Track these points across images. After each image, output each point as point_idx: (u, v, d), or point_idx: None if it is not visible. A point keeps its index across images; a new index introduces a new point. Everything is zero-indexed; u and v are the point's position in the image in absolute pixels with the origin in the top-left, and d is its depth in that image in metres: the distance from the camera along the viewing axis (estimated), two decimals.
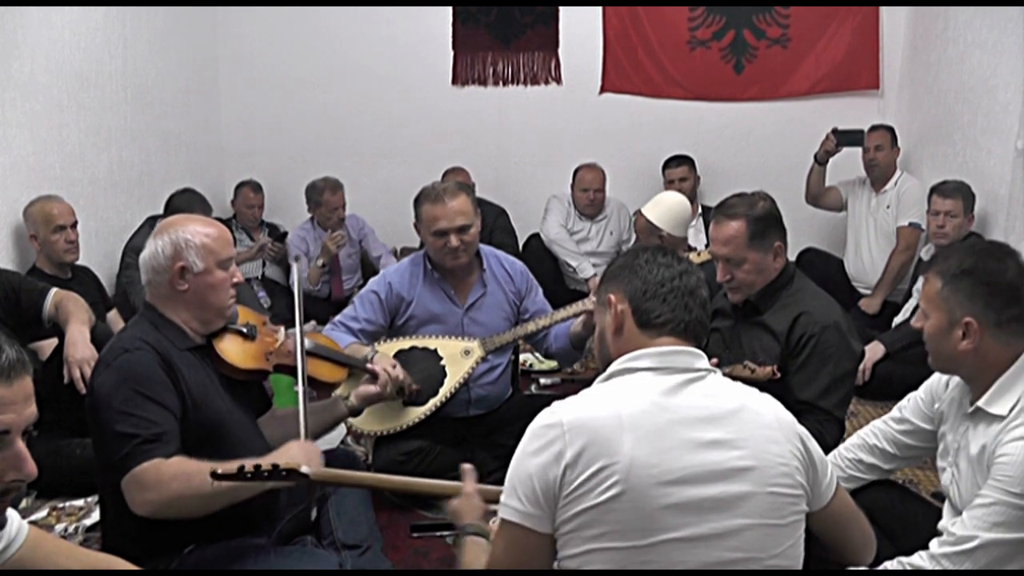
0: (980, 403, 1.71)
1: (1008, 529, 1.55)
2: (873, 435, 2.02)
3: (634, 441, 1.28)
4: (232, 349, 2.01)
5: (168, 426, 1.77)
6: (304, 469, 1.65)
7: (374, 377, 2.29)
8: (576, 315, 2.73)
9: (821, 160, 4.54)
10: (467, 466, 1.71)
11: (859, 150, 4.46)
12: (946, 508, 1.83)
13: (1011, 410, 1.65)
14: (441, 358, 2.73)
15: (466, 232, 2.69)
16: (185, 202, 3.98)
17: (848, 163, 4.66)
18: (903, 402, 2.01)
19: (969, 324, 1.67)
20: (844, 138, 4.40)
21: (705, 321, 1.46)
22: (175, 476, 1.70)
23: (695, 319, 1.44)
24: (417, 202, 2.75)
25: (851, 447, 2.06)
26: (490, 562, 1.38)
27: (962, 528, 1.59)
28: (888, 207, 4.39)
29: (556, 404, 1.36)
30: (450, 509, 1.66)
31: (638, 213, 4.13)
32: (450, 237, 2.67)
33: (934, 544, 1.62)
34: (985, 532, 1.56)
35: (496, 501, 1.68)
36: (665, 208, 3.78)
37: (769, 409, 1.40)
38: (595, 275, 4.74)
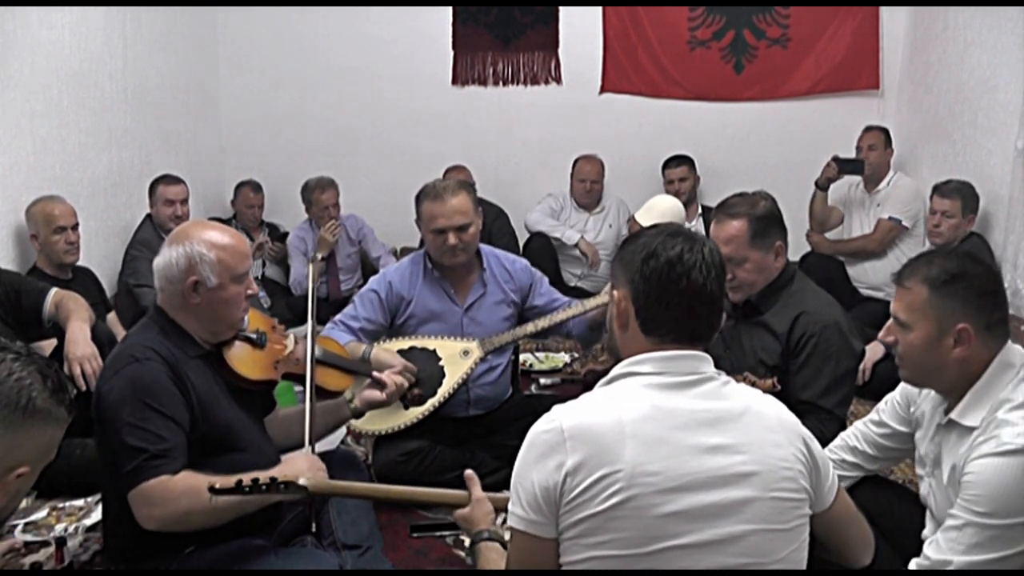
0: (953, 415, 1.68)
1: (982, 550, 1.52)
2: (854, 437, 2.03)
3: (635, 448, 1.26)
4: (241, 358, 1.99)
5: (176, 440, 1.76)
6: (302, 481, 1.64)
7: (378, 384, 2.29)
8: (577, 316, 2.73)
9: (823, 186, 4.53)
10: (471, 472, 1.70)
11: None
12: (927, 517, 1.81)
13: (982, 421, 1.62)
14: (440, 358, 2.72)
15: (465, 231, 2.69)
16: (153, 189, 4.18)
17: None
18: (880, 404, 2.00)
19: (964, 330, 1.63)
20: (846, 166, 4.41)
21: (714, 319, 1.40)
22: (183, 492, 1.70)
23: (702, 322, 1.38)
24: (418, 200, 2.75)
25: (835, 448, 2.07)
26: (509, 564, 1.38)
27: (936, 551, 1.56)
28: (879, 206, 4.40)
29: (556, 409, 1.34)
30: (459, 517, 1.65)
31: (632, 220, 4.13)
32: (448, 235, 2.67)
33: (912, 565, 1.60)
34: (959, 556, 1.53)
35: (505, 508, 1.70)
36: (658, 213, 3.78)
37: (772, 412, 1.39)
38: (581, 238, 4.80)
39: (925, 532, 1.78)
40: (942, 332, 1.65)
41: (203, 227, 1.95)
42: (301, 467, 1.84)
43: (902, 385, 1.92)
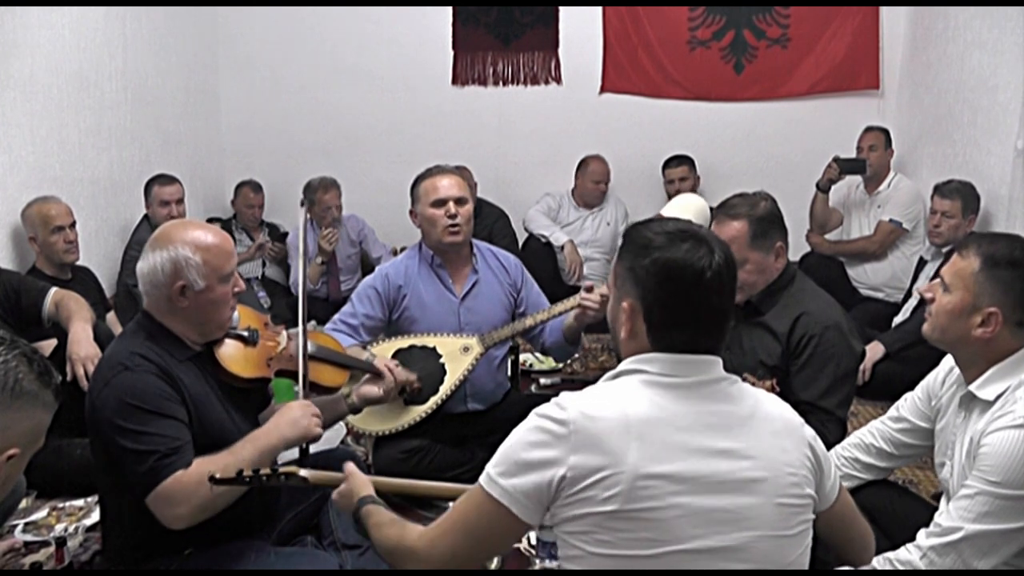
0: (972, 387, 1.73)
1: (992, 520, 1.55)
2: (870, 435, 2.04)
3: (640, 449, 1.25)
4: (233, 356, 1.97)
5: (182, 437, 1.76)
6: (303, 473, 1.66)
7: (379, 377, 2.29)
8: (573, 308, 2.73)
9: (823, 188, 4.52)
10: (351, 465, 1.71)
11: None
12: (942, 503, 1.82)
13: (997, 397, 1.67)
14: (440, 356, 2.72)
15: (462, 205, 2.73)
16: (148, 190, 4.18)
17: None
18: (900, 401, 2.02)
19: (993, 315, 1.67)
20: (846, 166, 4.41)
21: (727, 330, 1.37)
22: (200, 482, 1.70)
23: (714, 338, 1.35)
24: (414, 185, 2.80)
25: (848, 447, 2.07)
26: (456, 526, 1.36)
27: (948, 519, 1.60)
28: (879, 207, 4.40)
29: (565, 397, 1.31)
30: (340, 495, 1.66)
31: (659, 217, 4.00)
32: (449, 204, 2.71)
33: (921, 535, 1.62)
34: (969, 523, 1.56)
35: (401, 494, 1.73)
36: (691, 216, 3.66)
37: (778, 413, 1.38)
38: (569, 242, 4.74)
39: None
40: (974, 308, 1.69)
41: (185, 228, 1.91)
42: (295, 414, 1.87)
43: (924, 381, 1.96)
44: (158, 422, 1.74)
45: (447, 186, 2.73)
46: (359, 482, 1.64)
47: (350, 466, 1.70)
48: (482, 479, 1.34)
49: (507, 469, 1.31)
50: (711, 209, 4.00)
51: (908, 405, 1.99)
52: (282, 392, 3.03)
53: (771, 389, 2.17)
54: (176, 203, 4.16)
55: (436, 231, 2.74)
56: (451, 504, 2.47)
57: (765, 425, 1.34)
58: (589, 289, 2.61)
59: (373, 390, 2.25)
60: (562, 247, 4.73)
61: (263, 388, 2.16)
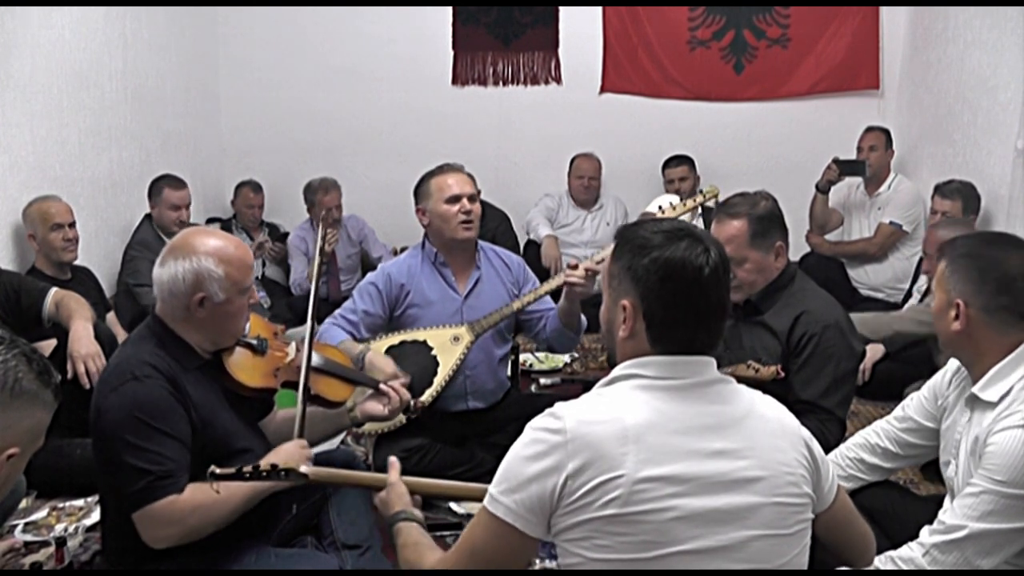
0: (975, 389, 1.74)
1: (996, 519, 1.57)
2: (875, 434, 2.03)
3: (638, 453, 1.25)
4: (241, 365, 1.97)
5: (180, 459, 1.76)
6: (303, 469, 1.65)
7: (381, 395, 2.28)
8: (559, 287, 2.70)
9: (823, 189, 4.52)
10: (393, 459, 1.71)
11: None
12: (946, 502, 1.83)
13: (1001, 398, 1.68)
14: (431, 348, 2.71)
15: (473, 202, 2.75)
16: (157, 191, 4.16)
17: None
18: (906, 401, 2.02)
19: (959, 305, 1.73)
20: (846, 167, 4.42)
21: (723, 329, 1.38)
22: (192, 511, 1.72)
23: (713, 335, 1.36)
24: (420, 184, 2.80)
25: (853, 447, 2.06)
26: (464, 549, 1.36)
27: (952, 517, 1.61)
28: (879, 209, 4.40)
29: (559, 407, 1.32)
30: (378, 500, 1.66)
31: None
32: (463, 201, 2.71)
33: (924, 533, 1.63)
34: (974, 522, 1.58)
35: (422, 494, 1.70)
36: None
37: (774, 415, 1.38)
38: (549, 237, 4.78)
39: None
40: (948, 304, 1.76)
41: (206, 237, 1.91)
42: (291, 454, 1.85)
43: (930, 381, 1.97)
44: (161, 440, 1.74)
45: (459, 182, 2.75)
46: (395, 495, 1.63)
47: (393, 476, 1.67)
48: (486, 500, 1.34)
49: (509, 486, 1.31)
50: (710, 209, 4.04)
51: (914, 405, 1.98)
52: (283, 397, 3.03)
53: (776, 374, 2.17)
54: (185, 208, 4.18)
55: (450, 227, 2.74)
56: (451, 504, 2.52)
57: (761, 425, 1.34)
58: (573, 266, 2.62)
59: (377, 408, 2.23)
60: (540, 241, 4.75)
61: (268, 398, 2.16)
